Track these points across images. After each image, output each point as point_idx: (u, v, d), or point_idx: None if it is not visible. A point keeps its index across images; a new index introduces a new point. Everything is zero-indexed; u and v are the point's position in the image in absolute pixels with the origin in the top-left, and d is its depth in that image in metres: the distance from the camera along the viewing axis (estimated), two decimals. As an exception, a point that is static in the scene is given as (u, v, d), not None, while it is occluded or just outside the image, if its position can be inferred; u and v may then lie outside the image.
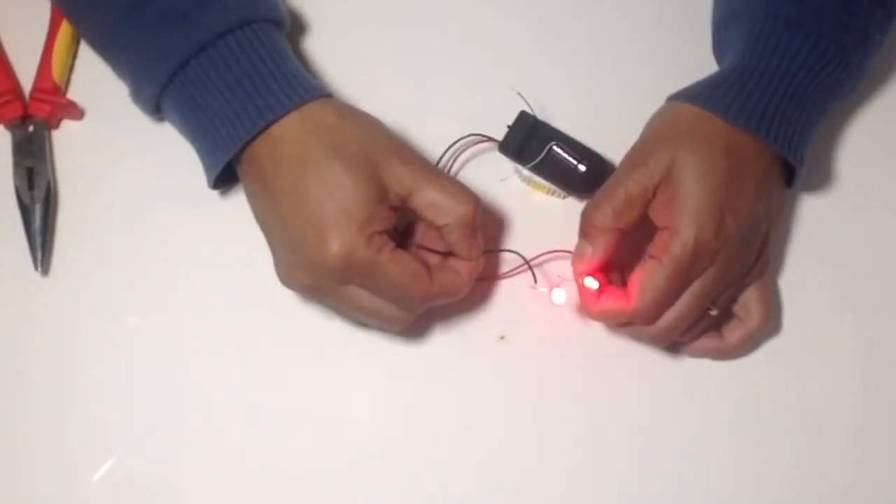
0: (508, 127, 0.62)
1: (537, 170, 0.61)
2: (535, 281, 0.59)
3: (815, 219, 0.63)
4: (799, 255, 0.62)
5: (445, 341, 0.60)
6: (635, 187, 0.54)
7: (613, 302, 0.55)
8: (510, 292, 0.61)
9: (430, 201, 0.54)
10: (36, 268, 0.61)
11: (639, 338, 0.58)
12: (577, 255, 0.56)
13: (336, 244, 0.52)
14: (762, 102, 0.55)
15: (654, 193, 0.54)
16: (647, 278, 0.54)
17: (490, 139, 0.62)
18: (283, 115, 0.54)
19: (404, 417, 0.59)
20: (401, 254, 0.53)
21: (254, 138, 0.55)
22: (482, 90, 0.64)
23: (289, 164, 0.54)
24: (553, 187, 0.62)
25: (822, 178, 0.64)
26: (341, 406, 0.59)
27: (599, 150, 0.62)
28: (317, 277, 0.53)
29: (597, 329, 0.60)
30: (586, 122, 0.63)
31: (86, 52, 0.65)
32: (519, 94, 0.61)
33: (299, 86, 0.55)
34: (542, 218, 0.62)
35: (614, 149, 0.61)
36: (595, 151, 0.62)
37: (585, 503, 0.59)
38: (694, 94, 0.56)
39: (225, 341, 0.60)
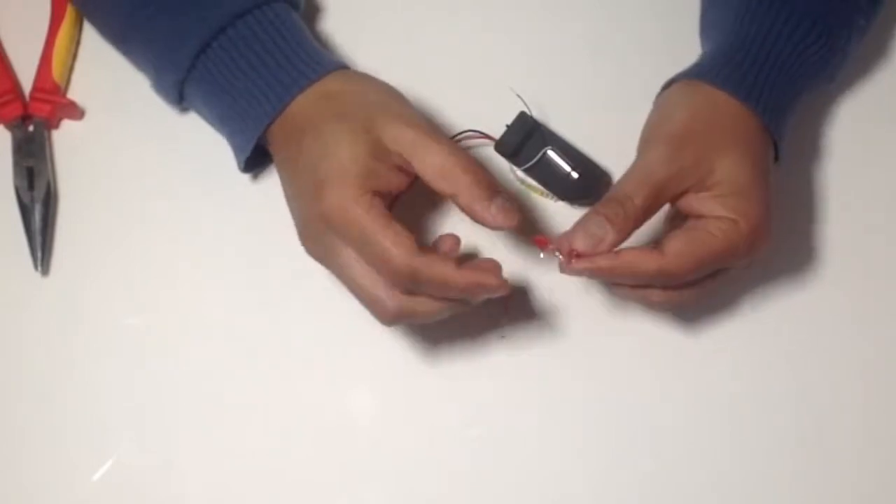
0: (507, 126, 0.62)
1: (531, 172, 0.61)
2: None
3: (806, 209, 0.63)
4: (794, 251, 0.63)
5: (445, 341, 0.60)
6: (674, 183, 0.53)
7: (641, 256, 0.52)
8: (510, 292, 0.61)
9: (435, 167, 0.52)
10: (36, 268, 0.61)
11: (644, 302, 0.56)
12: (588, 236, 0.52)
13: (330, 197, 0.51)
14: (750, 75, 0.56)
15: (685, 192, 0.54)
16: (696, 244, 0.52)
17: (487, 137, 0.62)
18: (299, 92, 0.55)
19: (404, 417, 0.59)
20: (391, 219, 0.51)
21: (276, 117, 0.55)
22: (484, 88, 0.64)
23: (296, 135, 0.54)
24: (546, 190, 0.62)
25: (811, 166, 0.65)
26: (341, 406, 0.60)
27: (598, 154, 0.62)
28: (317, 237, 0.52)
29: (597, 329, 0.61)
30: (586, 123, 0.63)
31: (86, 52, 0.66)
32: (518, 95, 0.61)
33: (320, 61, 0.56)
34: (535, 218, 0.62)
35: (613, 152, 0.61)
36: (591, 159, 0.62)
37: (585, 502, 0.59)
38: (703, 74, 0.56)
39: (225, 341, 0.60)
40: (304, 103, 0.55)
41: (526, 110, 0.61)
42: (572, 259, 0.52)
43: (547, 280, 0.61)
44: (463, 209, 0.52)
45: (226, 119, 0.58)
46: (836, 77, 0.62)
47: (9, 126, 0.63)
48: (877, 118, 0.66)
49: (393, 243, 0.50)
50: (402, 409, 0.60)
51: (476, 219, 0.52)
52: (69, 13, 0.65)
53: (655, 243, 0.53)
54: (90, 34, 0.66)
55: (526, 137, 0.61)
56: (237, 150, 0.58)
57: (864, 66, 0.66)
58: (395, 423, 0.59)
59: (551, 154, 0.61)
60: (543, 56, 0.66)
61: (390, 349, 0.60)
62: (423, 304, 0.52)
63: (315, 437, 0.59)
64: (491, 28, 0.67)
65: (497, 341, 0.60)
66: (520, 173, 0.62)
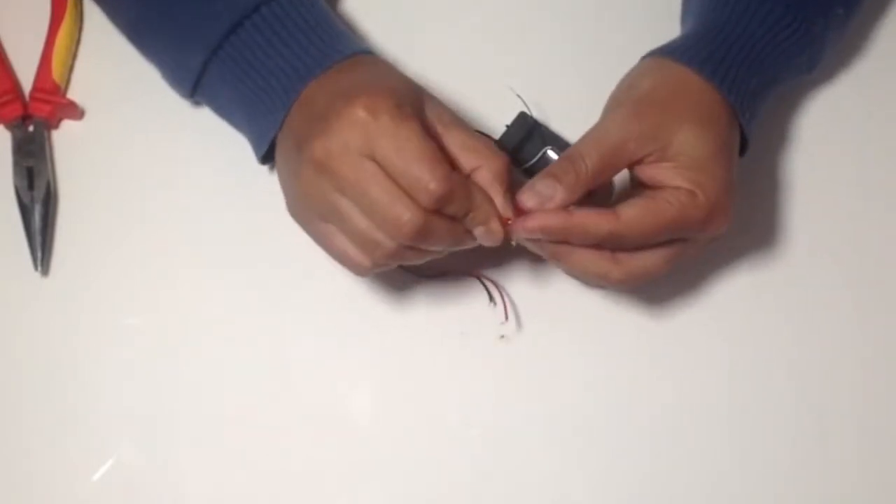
0: (507, 127, 0.62)
1: (531, 173, 0.61)
2: (490, 298, 0.60)
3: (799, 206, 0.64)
4: (788, 247, 0.63)
5: (445, 341, 0.60)
6: (628, 150, 0.53)
7: (595, 217, 0.52)
8: (510, 292, 0.61)
9: (464, 142, 0.52)
10: (36, 268, 0.61)
11: (605, 280, 0.55)
12: (534, 194, 0.52)
13: (363, 100, 0.49)
14: (717, 55, 0.56)
15: (643, 159, 0.54)
16: (651, 211, 0.52)
17: (487, 137, 0.62)
18: (334, 65, 0.54)
19: (404, 417, 0.59)
20: (427, 137, 0.50)
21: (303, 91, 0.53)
22: (484, 88, 0.64)
23: (323, 101, 0.52)
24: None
25: (785, 156, 0.65)
26: (341, 405, 0.60)
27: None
28: (335, 143, 0.50)
29: (597, 329, 0.61)
30: (586, 124, 0.63)
31: (86, 52, 0.66)
32: (518, 95, 0.61)
33: (350, 40, 0.56)
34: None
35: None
36: None
37: (585, 502, 0.59)
38: (671, 50, 0.57)
39: (225, 341, 0.60)
40: (323, 82, 0.53)
41: (526, 110, 0.61)
42: (522, 220, 0.52)
43: (547, 280, 0.61)
44: (482, 182, 0.52)
45: (249, 102, 0.56)
46: (814, 67, 0.62)
47: (9, 126, 0.63)
48: (852, 110, 0.66)
49: (432, 158, 0.49)
50: (402, 409, 0.60)
51: (493, 195, 0.52)
52: (69, 13, 0.65)
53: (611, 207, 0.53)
54: (90, 34, 0.66)
55: (526, 137, 0.61)
56: (258, 135, 0.56)
57: (843, 57, 0.67)
58: (395, 423, 0.59)
59: (551, 154, 0.61)
60: (544, 56, 0.66)
61: (390, 349, 0.60)
62: (443, 226, 0.51)
63: (315, 436, 0.59)
64: (491, 28, 0.67)
65: (497, 341, 0.60)
66: (519, 173, 0.62)
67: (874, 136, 0.66)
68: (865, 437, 0.60)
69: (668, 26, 0.66)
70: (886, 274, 0.63)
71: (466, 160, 0.52)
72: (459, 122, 0.54)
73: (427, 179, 0.49)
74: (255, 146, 0.57)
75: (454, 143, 0.53)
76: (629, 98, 0.56)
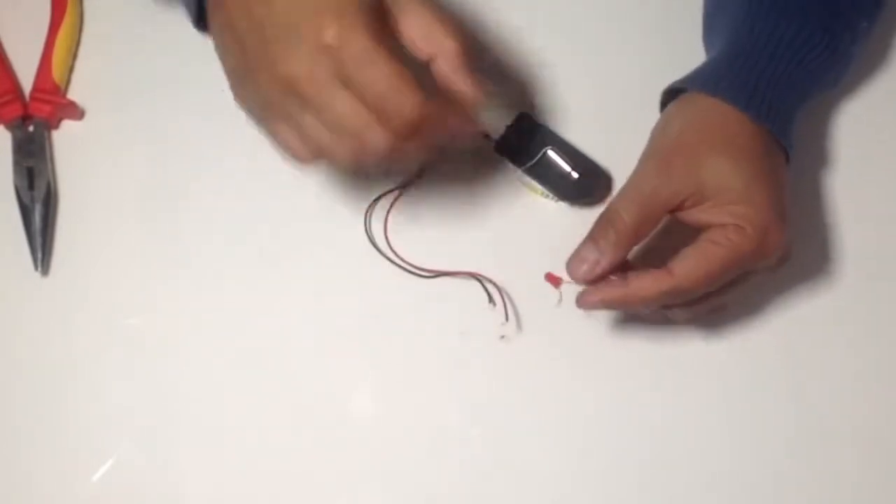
0: (507, 126, 0.62)
1: (531, 173, 0.62)
2: (490, 298, 0.59)
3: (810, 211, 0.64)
4: (805, 256, 0.63)
5: (445, 341, 0.60)
6: (664, 198, 0.53)
7: (650, 279, 0.52)
8: (510, 293, 0.61)
9: (420, 26, 0.49)
10: (36, 268, 0.61)
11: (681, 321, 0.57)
12: (578, 261, 0.53)
13: (334, 23, 0.46)
14: (760, 85, 0.55)
15: (681, 206, 0.53)
16: (701, 258, 0.52)
17: (488, 137, 0.62)
18: None
19: (404, 417, 0.59)
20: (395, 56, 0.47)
21: None
22: (485, 88, 0.64)
23: None
24: (546, 190, 0.62)
25: (816, 170, 0.64)
26: (341, 406, 0.60)
27: (598, 154, 0.62)
28: (302, 70, 0.46)
29: (597, 329, 0.61)
30: (586, 123, 0.63)
31: (86, 52, 0.66)
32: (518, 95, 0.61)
33: None
34: (534, 219, 0.62)
35: (613, 152, 0.61)
36: (591, 159, 0.62)
37: (586, 502, 0.59)
38: (698, 83, 0.56)
39: (225, 341, 0.60)
40: None
41: (526, 110, 0.62)
42: (582, 296, 0.53)
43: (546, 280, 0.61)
44: (437, 74, 0.50)
45: None
46: (840, 81, 0.62)
47: (9, 126, 0.63)
48: (880, 121, 0.66)
49: (401, 80, 0.47)
50: (402, 409, 0.60)
51: (450, 86, 0.50)
52: (69, 13, 0.65)
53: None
54: (90, 34, 0.66)
55: (526, 138, 0.61)
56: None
57: (867, 68, 0.66)
58: (395, 423, 0.59)
59: (551, 154, 0.61)
60: (544, 56, 0.66)
61: (390, 349, 0.60)
62: (408, 147, 0.49)
63: (315, 436, 0.59)
64: (491, 28, 0.67)
65: (497, 341, 0.60)
66: (520, 173, 0.62)
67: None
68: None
69: (668, 26, 0.66)
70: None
71: (423, 47, 0.49)
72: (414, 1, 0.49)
73: (404, 107, 0.47)
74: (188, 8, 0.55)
75: (410, 29, 0.49)
76: (659, 147, 0.55)
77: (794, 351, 0.61)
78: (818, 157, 0.64)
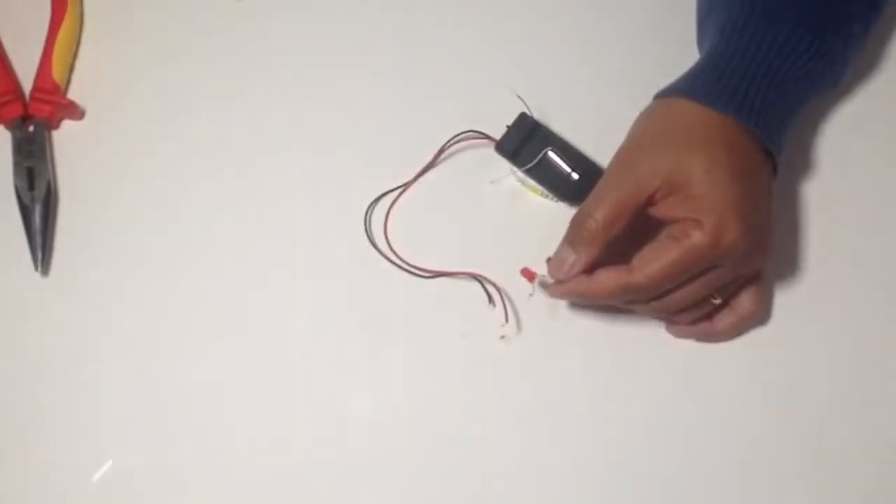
0: (507, 127, 0.62)
1: (531, 173, 0.62)
2: (490, 299, 0.60)
3: (806, 212, 0.64)
4: (791, 251, 0.63)
5: (445, 341, 0.60)
6: (629, 195, 0.53)
7: (609, 274, 0.53)
8: (510, 293, 0.61)
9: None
10: (36, 268, 0.61)
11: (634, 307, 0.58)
12: (557, 262, 0.55)
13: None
14: (740, 88, 0.55)
15: (651, 200, 0.54)
16: (657, 254, 0.52)
17: (488, 137, 0.62)
18: None
19: (404, 417, 0.59)
20: None
21: None
22: (484, 88, 0.64)
23: None
24: (546, 191, 0.62)
25: (813, 173, 0.64)
26: (341, 406, 0.60)
27: (598, 154, 0.62)
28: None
29: (597, 329, 0.61)
30: (586, 124, 0.63)
31: (86, 52, 0.66)
32: (518, 95, 0.61)
33: None
34: (534, 219, 0.62)
35: (613, 153, 0.61)
36: (592, 160, 0.62)
37: (586, 502, 0.59)
38: (673, 88, 0.57)
39: (225, 341, 0.60)
40: None
41: (526, 111, 0.62)
42: (549, 287, 0.56)
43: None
44: None
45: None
46: (839, 83, 0.61)
47: (9, 126, 0.63)
48: (870, 125, 0.65)
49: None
50: (402, 409, 0.60)
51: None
52: (69, 13, 0.65)
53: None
54: (90, 34, 0.66)
55: (526, 138, 0.61)
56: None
57: (860, 72, 0.66)
58: (395, 424, 0.59)
59: (552, 155, 0.61)
60: (544, 56, 0.66)
61: (391, 350, 0.60)
62: None
63: (315, 437, 0.59)
64: (491, 28, 0.67)
65: (497, 341, 0.60)
66: (520, 174, 0.62)
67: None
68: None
69: (669, 26, 0.66)
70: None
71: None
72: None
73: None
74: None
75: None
76: (625, 146, 0.56)
77: (795, 351, 0.61)
78: (799, 160, 0.64)
